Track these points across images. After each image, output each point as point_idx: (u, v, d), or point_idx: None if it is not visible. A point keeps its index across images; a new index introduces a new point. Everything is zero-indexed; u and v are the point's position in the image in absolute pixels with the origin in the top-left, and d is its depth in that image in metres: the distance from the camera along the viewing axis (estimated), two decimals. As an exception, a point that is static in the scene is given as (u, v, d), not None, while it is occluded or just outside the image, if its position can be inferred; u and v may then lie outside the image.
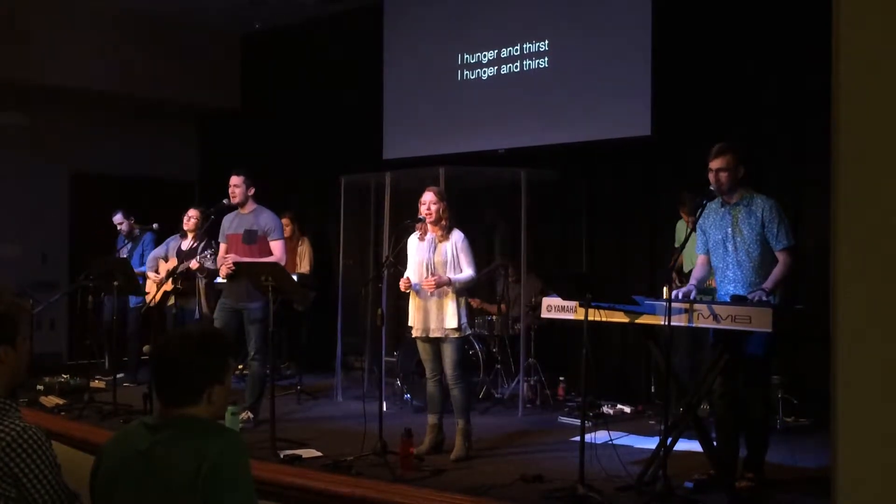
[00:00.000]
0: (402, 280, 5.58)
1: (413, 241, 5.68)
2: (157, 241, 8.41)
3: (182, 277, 7.19)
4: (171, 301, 7.40)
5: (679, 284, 6.11)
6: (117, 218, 8.80)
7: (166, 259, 7.82)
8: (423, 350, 5.62)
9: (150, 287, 7.74)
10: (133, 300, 8.20)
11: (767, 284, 4.54)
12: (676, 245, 6.58)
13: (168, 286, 7.31)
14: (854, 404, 1.78)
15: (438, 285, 5.39)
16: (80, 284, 7.82)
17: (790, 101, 6.65)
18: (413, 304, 5.61)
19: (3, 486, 2.33)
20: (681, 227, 6.61)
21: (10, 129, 9.60)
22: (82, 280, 7.63)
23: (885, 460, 1.74)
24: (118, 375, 7.37)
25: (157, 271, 7.85)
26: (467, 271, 5.47)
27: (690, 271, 5.42)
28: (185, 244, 7.59)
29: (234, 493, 2.23)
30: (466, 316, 5.51)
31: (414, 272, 5.59)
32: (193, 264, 7.09)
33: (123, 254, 8.44)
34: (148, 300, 7.56)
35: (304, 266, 8.65)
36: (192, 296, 7.44)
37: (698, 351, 6.15)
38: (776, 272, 4.60)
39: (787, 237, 4.63)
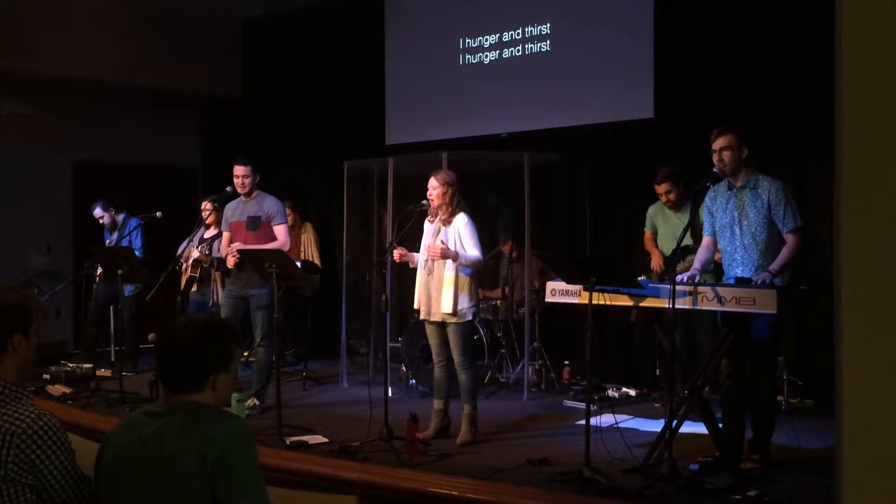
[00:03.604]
0: (397, 250, 5.57)
1: (426, 224, 5.70)
2: (145, 229, 8.11)
3: (198, 265, 7.36)
4: (195, 288, 7.46)
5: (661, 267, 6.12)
6: (97, 212, 8.28)
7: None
8: (430, 334, 5.63)
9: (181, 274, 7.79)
10: (128, 289, 7.92)
11: (774, 266, 4.53)
12: (646, 230, 6.51)
13: (188, 273, 7.40)
14: (859, 385, 1.78)
15: (444, 255, 5.36)
16: (85, 272, 7.84)
17: (793, 81, 6.62)
18: (418, 286, 5.63)
19: (20, 473, 2.35)
20: (653, 212, 6.48)
21: (13, 118, 9.59)
22: (87, 268, 7.65)
23: (890, 441, 1.74)
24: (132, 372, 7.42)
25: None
26: (473, 253, 5.46)
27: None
28: (209, 233, 7.66)
29: (243, 480, 2.23)
30: (470, 302, 5.47)
31: (421, 254, 5.64)
32: (196, 254, 7.12)
33: None
34: (182, 289, 7.58)
35: (310, 253, 8.66)
36: (208, 283, 7.50)
37: (693, 329, 6.10)
38: (783, 254, 4.59)
39: (794, 219, 4.62)
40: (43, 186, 9.81)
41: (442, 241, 5.42)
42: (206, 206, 7.61)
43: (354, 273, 8.04)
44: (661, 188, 6.26)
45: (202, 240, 7.55)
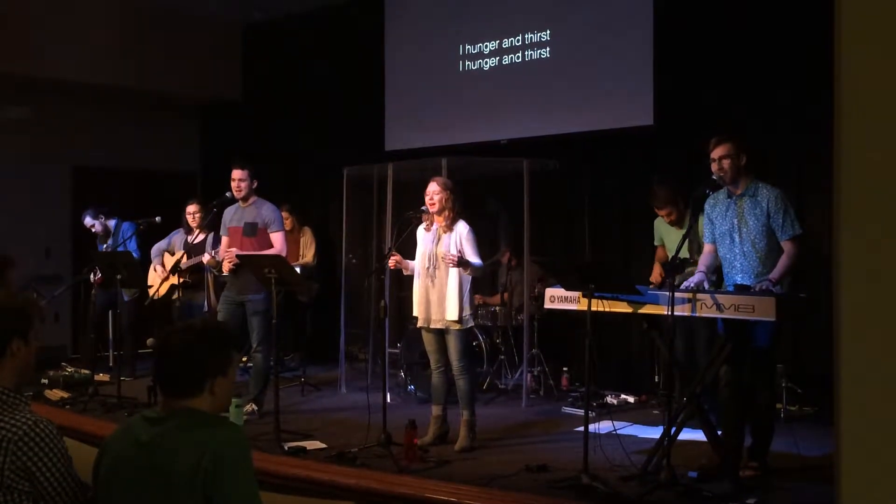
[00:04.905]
0: (392, 257, 5.54)
1: (420, 231, 5.68)
2: (143, 234, 7.96)
3: (192, 271, 7.21)
4: (177, 294, 7.40)
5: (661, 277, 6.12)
6: (87, 220, 8.15)
7: (172, 253, 7.78)
8: (428, 340, 5.62)
9: (154, 280, 7.72)
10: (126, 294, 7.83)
11: (774, 275, 4.53)
12: (656, 244, 6.51)
13: (175, 279, 7.30)
14: (857, 392, 1.78)
15: (461, 263, 5.33)
16: (84, 277, 7.82)
17: (792, 88, 6.62)
18: (416, 293, 5.61)
19: (16, 480, 2.34)
20: (658, 225, 6.45)
21: (12, 122, 9.59)
22: (86, 273, 7.63)
23: (889, 448, 1.73)
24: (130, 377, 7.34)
25: (163, 265, 7.82)
26: (477, 261, 5.46)
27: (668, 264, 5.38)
28: (192, 238, 7.54)
29: (236, 487, 2.23)
30: (471, 309, 5.49)
31: (418, 261, 5.61)
32: (206, 258, 7.09)
33: None
34: (151, 293, 7.51)
35: (308, 257, 8.64)
36: (200, 289, 7.44)
37: (692, 334, 6.08)
38: (782, 262, 4.59)
39: (792, 227, 4.62)
40: (42, 191, 9.79)
41: (459, 250, 5.42)
42: (193, 208, 7.57)
43: (353, 279, 8.03)
44: (662, 213, 6.23)
45: (187, 244, 7.47)
